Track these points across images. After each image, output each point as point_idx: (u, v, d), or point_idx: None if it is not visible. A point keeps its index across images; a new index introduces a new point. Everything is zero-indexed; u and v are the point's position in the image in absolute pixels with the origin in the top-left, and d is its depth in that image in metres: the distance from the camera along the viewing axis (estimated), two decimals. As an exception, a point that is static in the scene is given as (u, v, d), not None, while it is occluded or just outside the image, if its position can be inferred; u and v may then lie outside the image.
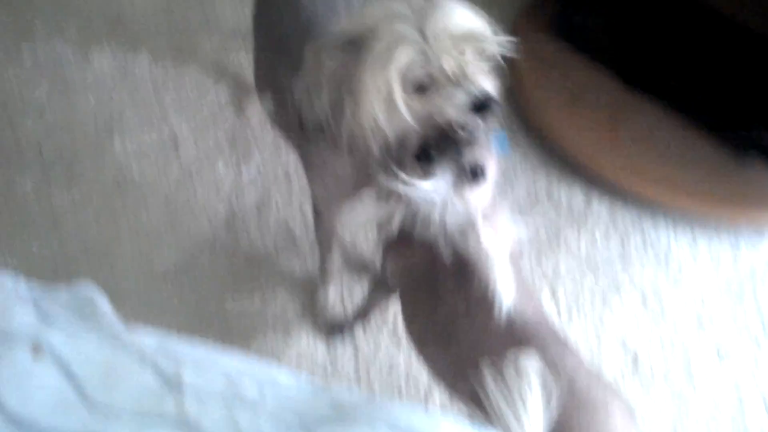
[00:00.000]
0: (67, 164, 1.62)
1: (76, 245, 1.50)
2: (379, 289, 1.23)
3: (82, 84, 1.76)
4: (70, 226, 1.53)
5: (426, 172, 0.91)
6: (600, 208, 1.54)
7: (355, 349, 1.36)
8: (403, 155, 0.93)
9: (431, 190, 0.91)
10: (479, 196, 0.94)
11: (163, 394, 0.53)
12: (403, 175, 0.89)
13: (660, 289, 1.44)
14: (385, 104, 0.89)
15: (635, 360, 1.35)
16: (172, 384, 0.54)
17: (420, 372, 1.32)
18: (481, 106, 0.89)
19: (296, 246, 1.50)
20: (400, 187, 0.90)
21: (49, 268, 1.47)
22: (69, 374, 0.53)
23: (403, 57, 0.86)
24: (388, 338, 1.37)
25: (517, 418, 0.77)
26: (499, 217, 0.97)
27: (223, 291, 1.44)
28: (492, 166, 0.95)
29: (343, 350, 1.36)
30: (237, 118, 1.69)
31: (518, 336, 0.92)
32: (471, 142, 0.91)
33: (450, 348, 0.98)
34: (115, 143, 1.65)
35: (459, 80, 0.88)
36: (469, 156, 0.91)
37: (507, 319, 0.92)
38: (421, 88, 0.88)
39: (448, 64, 0.87)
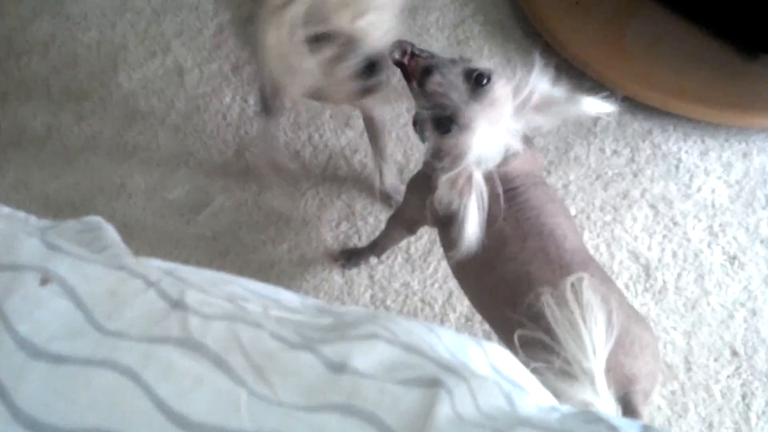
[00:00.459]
0: (75, 101, 1.62)
1: (91, 182, 1.52)
2: (397, 226, 1.24)
3: (83, 17, 1.75)
4: (83, 163, 1.54)
5: None
6: (608, 119, 1.52)
7: (371, 278, 1.38)
8: None
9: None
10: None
11: (168, 315, 0.55)
12: None
13: (671, 199, 1.43)
14: (282, 57, 0.91)
15: (647, 271, 1.36)
16: (177, 305, 0.56)
17: (435, 298, 1.34)
18: (372, 65, 0.93)
19: (305, 171, 1.50)
20: None
21: (67, 207, 1.48)
22: (76, 300, 0.55)
23: (299, 8, 0.87)
24: (402, 264, 1.38)
25: (581, 347, 0.73)
26: None
27: (238, 223, 1.46)
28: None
29: (359, 279, 1.38)
30: (239, 46, 1.67)
31: (568, 267, 0.91)
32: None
33: (494, 275, 0.97)
34: (120, 77, 1.65)
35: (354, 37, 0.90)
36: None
37: (558, 249, 0.94)
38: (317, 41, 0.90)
39: (343, 19, 0.89)
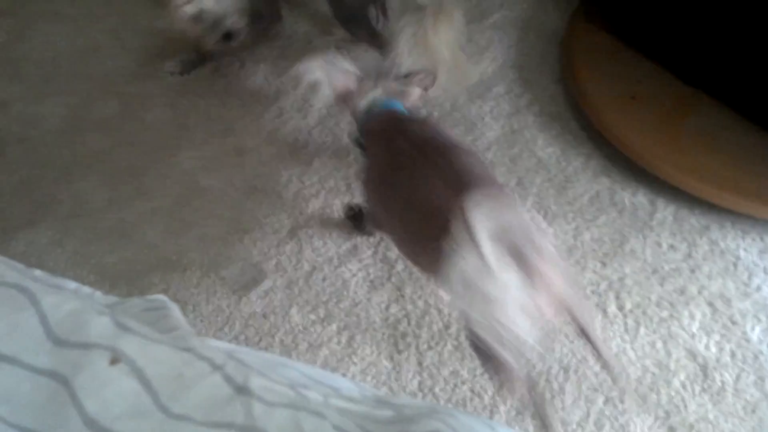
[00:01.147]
0: (136, 176, 1.67)
1: (147, 256, 1.54)
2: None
3: (148, 97, 1.82)
4: (140, 236, 1.57)
5: None
6: (665, 213, 1.51)
7: (419, 364, 1.36)
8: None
9: None
10: None
11: (232, 400, 0.55)
12: None
13: (729, 298, 1.40)
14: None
15: (705, 371, 1.32)
16: (242, 390, 0.56)
17: (484, 388, 1.31)
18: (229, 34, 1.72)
19: (358, 253, 1.51)
20: None
21: (123, 280, 1.51)
22: (143, 380, 0.55)
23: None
24: (452, 351, 1.36)
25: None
26: None
27: (289, 302, 1.46)
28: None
29: (408, 365, 1.36)
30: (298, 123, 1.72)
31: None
32: None
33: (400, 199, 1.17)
34: (181, 154, 1.70)
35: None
36: None
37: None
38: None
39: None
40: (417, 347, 1.37)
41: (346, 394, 0.65)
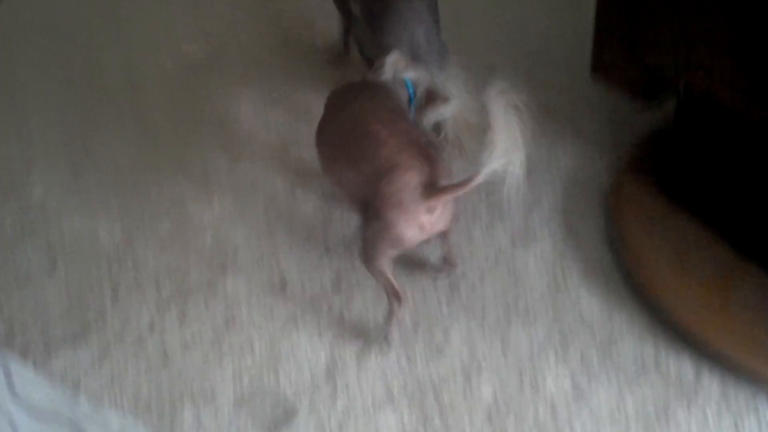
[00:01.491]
0: (181, 299, 1.70)
1: (183, 385, 1.55)
2: None
3: (201, 222, 1.87)
4: (178, 363, 1.59)
5: None
6: (711, 383, 1.47)
7: None
8: None
9: None
10: None
11: None
12: None
13: (778, 478, 1.34)
14: None
15: None
16: None
17: None
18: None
19: (394, 401, 1.49)
20: None
21: (156, 410, 1.51)
22: None
23: None
24: None
25: None
26: None
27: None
28: None
29: None
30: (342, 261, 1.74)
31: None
32: None
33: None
34: (227, 282, 1.73)
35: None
36: None
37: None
38: None
39: None
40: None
41: None
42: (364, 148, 1.45)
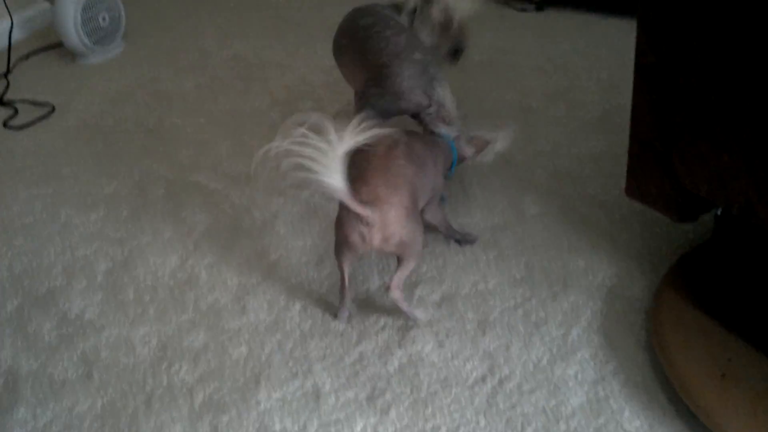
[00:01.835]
0: (215, 413, 1.68)
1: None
2: None
3: (237, 332, 1.87)
4: (209, 477, 1.55)
5: None
6: None
7: None
8: None
9: None
10: None
11: None
12: None
13: None
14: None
15: None
16: None
17: None
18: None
19: None
20: None
21: None
22: None
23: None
24: None
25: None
26: None
27: None
28: None
29: None
30: (378, 370, 1.72)
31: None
32: None
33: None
34: (260, 393, 1.71)
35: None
36: None
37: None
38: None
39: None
40: None
41: None
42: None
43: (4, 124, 2.90)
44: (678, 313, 1.70)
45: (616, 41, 3.00)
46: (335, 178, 1.54)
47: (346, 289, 1.83)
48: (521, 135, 2.47)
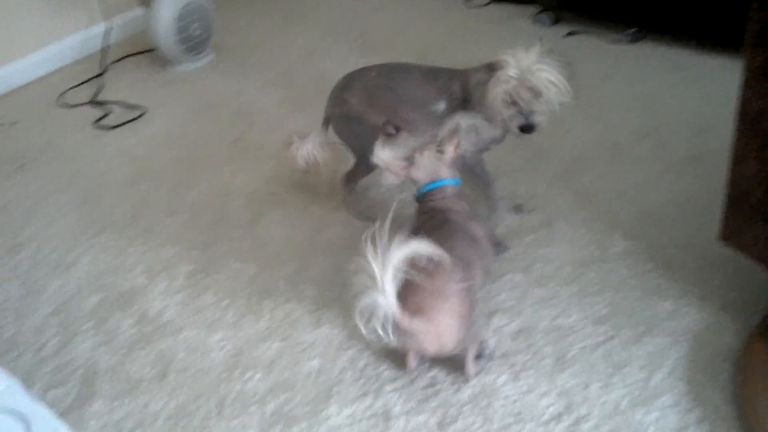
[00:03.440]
0: (285, 424, 1.67)
1: None
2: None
3: (310, 345, 1.87)
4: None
5: None
6: None
7: None
8: None
9: None
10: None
11: None
12: None
13: None
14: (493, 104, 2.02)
15: None
16: None
17: None
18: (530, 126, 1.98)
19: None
20: None
21: None
22: None
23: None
24: None
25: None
26: None
27: None
28: None
29: None
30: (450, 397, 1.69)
31: None
32: None
33: None
34: (331, 409, 1.70)
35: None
36: None
37: None
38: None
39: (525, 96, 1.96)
40: None
41: None
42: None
43: (95, 123, 2.99)
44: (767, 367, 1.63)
45: (710, 80, 2.93)
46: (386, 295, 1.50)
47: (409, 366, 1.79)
48: (605, 172, 2.43)
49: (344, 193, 2.31)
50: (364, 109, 2.12)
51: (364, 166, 2.17)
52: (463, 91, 2.03)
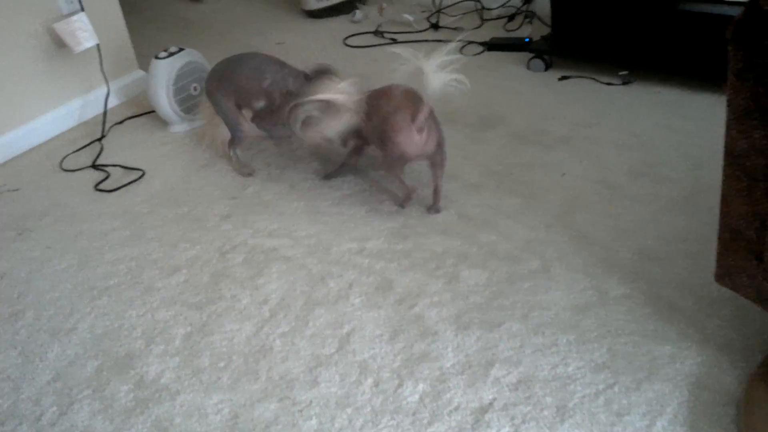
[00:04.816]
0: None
1: None
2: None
3: (307, 404, 1.85)
4: None
5: None
6: None
7: None
8: None
9: None
10: None
11: None
12: None
13: None
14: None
15: None
16: None
17: None
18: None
19: None
20: None
21: None
22: None
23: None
24: None
25: None
26: None
27: None
28: None
29: None
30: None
31: None
32: None
33: None
34: (330, 469, 1.68)
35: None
36: None
37: None
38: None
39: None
40: None
41: None
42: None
43: (96, 187, 3.03)
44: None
45: (706, 117, 2.93)
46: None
47: (410, 189, 2.55)
48: (603, 212, 2.42)
49: (228, 154, 3.03)
50: (215, 89, 2.89)
51: (233, 133, 2.95)
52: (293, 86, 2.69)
